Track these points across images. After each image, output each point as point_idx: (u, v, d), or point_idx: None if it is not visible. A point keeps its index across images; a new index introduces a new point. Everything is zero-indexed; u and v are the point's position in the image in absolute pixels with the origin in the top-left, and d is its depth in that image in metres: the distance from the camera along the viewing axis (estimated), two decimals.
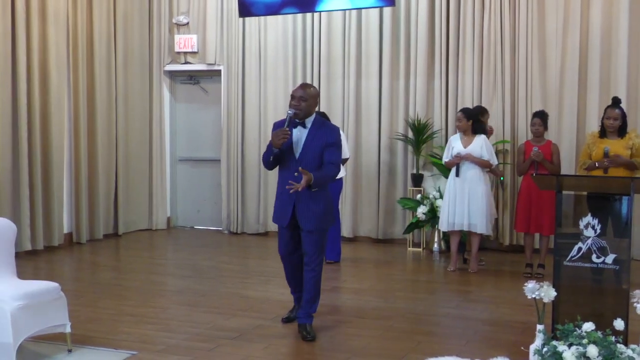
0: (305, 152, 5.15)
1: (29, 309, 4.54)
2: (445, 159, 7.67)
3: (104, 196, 9.63)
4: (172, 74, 10.75)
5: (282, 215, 5.30)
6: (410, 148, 9.16)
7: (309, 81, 9.68)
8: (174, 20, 10.43)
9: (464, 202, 7.47)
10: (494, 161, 7.63)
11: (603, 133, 6.67)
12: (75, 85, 9.12)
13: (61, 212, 8.92)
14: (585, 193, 4.90)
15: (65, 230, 9.09)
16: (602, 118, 6.76)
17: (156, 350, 4.92)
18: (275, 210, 5.42)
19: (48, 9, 8.56)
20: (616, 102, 6.68)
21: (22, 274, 5.27)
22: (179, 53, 10.47)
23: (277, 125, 5.27)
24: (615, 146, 6.50)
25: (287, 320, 5.61)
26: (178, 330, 5.41)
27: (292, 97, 5.16)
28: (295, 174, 5.08)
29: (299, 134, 5.19)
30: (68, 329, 4.84)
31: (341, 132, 8.24)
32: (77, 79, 9.12)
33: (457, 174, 7.51)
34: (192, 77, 10.74)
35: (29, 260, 8.04)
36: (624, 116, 6.61)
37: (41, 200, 8.51)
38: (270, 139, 5.20)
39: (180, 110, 10.89)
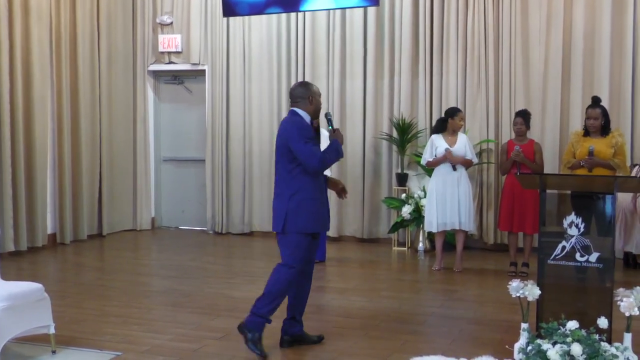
0: None
1: (13, 310, 4.51)
2: (429, 158, 7.64)
3: (88, 197, 9.58)
4: (156, 74, 10.71)
5: (326, 219, 5.07)
6: (394, 147, 9.18)
7: (292, 81, 9.67)
8: (157, 20, 10.39)
9: (454, 201, 7.47)
10: (475, 160, 7.68)
11: (587, 132, 6.68)
12: (58, 84, 9.07)
13: (45, 213, 8.86)
14: (569, 192, 4.93)
15: (49, 231, 9.03)
16: (585, 119, 6.79)
17: (141, 351, 4.90)
18: (317, 216, 4.88)
19: (31, 6, 8.50)
20: (596, 101, 6.68)
21: (5, 275, 5.24)
22: (162, 53, 10.43)
23: (307, 126, 5.21)
24: (599, 145, 6.51)
25: (287, 342, 5.03)
26: (163, 331, 5.39)
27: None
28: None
29: None
30: (52, 330, 4.81)
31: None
32: (60, 78, 9.07)
33: (455, 168, 7.50)
34: (176, 77, 10.70)
35: (13, 261, 7.98)
36: (605, 115, 6.62)
37: (24, 200, 8.45)
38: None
39: (165, 110, 10.85)
